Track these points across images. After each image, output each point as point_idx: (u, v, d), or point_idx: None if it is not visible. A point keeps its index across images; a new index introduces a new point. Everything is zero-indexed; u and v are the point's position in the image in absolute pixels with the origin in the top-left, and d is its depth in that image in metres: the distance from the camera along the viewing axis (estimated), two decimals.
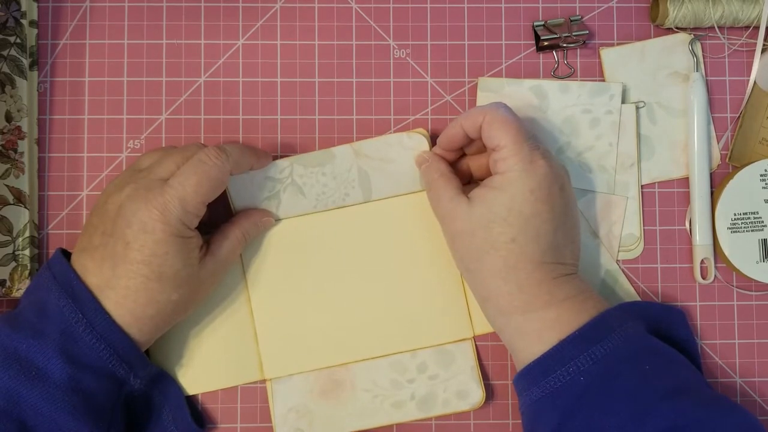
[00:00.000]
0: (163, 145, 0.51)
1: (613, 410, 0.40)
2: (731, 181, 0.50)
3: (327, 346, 0.49)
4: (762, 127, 0.51)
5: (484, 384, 0.49)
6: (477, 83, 0.51)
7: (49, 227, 0.51)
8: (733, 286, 0.51)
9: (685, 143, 0.51)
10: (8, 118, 0.49)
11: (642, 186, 0.51)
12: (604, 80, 0.51)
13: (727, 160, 0.52)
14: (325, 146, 0.51)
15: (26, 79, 0.50)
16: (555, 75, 0.52)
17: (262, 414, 0.50)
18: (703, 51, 0.52)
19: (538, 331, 0.43)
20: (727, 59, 0.52)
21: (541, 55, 0.52)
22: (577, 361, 0.42)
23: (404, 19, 0.52)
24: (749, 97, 0.52)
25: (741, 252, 0.50)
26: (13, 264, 0.49)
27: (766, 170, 0.50)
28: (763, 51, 0.51)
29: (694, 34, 0.51)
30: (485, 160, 0.47)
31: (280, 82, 0.52)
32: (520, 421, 0.46)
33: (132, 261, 0.42)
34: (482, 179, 0.47)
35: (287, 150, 0.51)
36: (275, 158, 0.49)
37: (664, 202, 0.51)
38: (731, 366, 0.51)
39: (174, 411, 0.47)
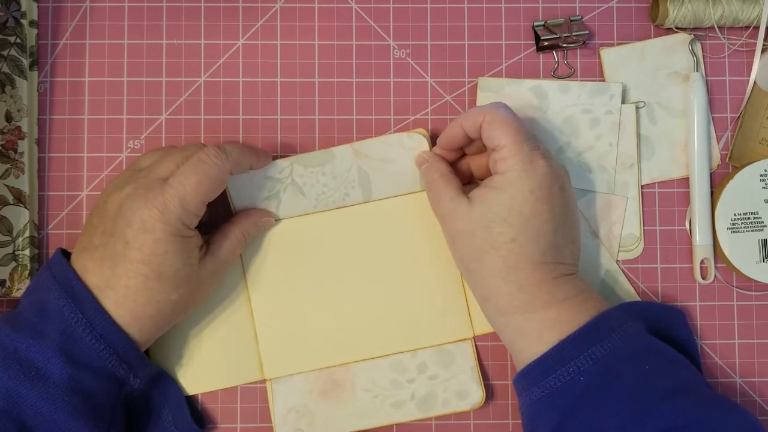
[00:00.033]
0: (163, 145, 0.51)
1: (613, 410, 0.40)
2: (731, 181, 0.50)
3: (327, 346, 0.49)
4: (762, 127, 0.51)
5: (484, 384, 0.49)
6: (477, 83, 0.51)
7: (49, 227, 0.51)
8: (733, 286, 0.51)
9: (685, 143, 0.51)
10: (8, 118, 0.49)
11: (642, 186, 0.51)
12: (604, 80, 0.51)
13: (727, 160, 0.52)
14: (325, 146, 0.51)
15: (26, 79, 0.50)
16: (555, 75, 0.52)
17: (262, 414, 0.50)
18: (703, 51, 0.52)
19: (538, 331, 0.43)
20: (727, 59, 0.52)
21: (541, 55, 0.52)
22: (577, 361, 0.42)
23: (404, 19, 0.52)
24: (749, 97, 0.52)
25: (741, 252, 0.50)
26: (13, 264, 0.49)
27: (766, 170, 0.50)
28: (763, 51, 0.51)
29: (694, 34, 0.51)
30: (485, 160, 0.47)
31: (280, 82, 0.52)
32: (520, 421, 0.46)
33: (132, 260, 0.42)
34: (482, 179, 0.47)
35: (287, 150, 0.51)
36: (275, 158, 0.49)
37: (664, 202, 0.51)
38: (731, 366, 0.51)
39: (174, 411, 0.47)
